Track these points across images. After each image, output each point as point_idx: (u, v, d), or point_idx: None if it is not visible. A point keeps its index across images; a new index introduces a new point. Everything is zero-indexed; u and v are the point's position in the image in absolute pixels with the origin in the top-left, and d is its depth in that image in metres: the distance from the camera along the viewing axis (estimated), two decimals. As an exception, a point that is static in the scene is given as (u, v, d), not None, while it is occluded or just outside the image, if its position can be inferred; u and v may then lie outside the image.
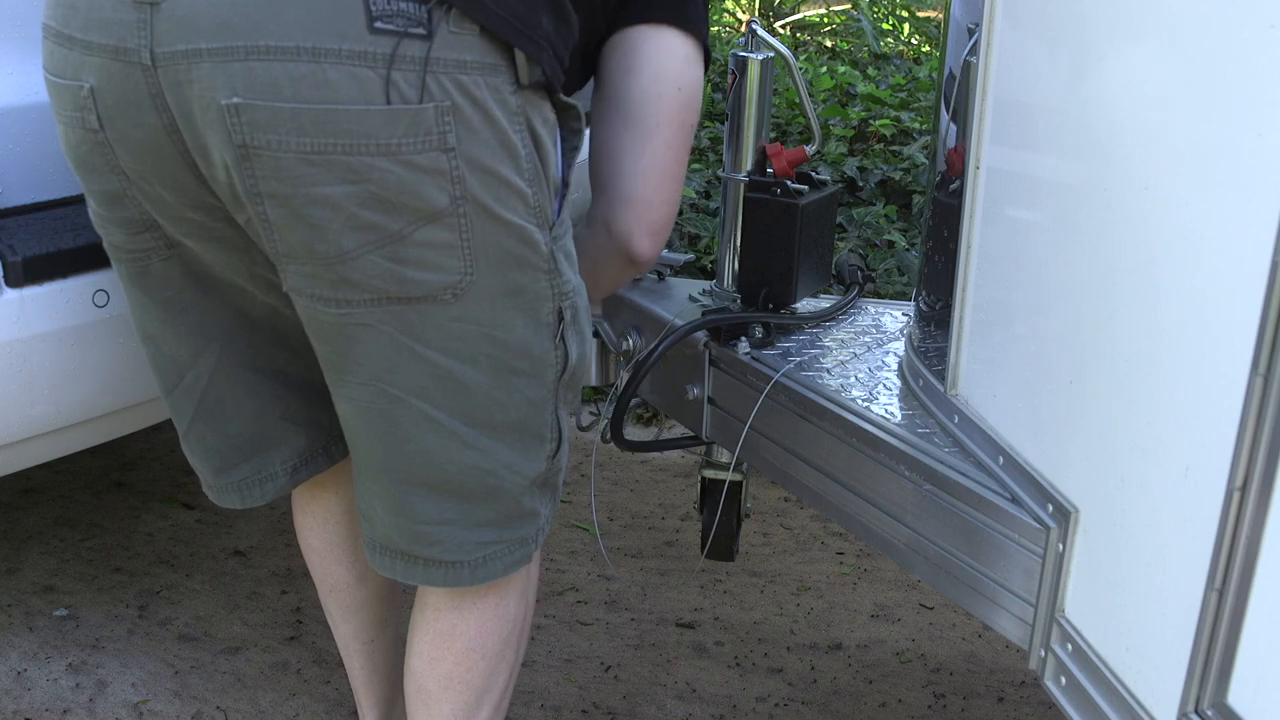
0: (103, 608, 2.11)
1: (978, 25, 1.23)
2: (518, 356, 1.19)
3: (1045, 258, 1.15)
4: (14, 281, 1.39)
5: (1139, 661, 1.02)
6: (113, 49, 1.06)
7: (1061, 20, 1.12)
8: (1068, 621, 1.13)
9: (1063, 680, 1.14)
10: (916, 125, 4.01)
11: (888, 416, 1.39)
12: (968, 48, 1.36)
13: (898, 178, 3.64)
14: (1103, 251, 1.05)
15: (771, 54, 1.63)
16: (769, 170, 1.63)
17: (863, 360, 1.57)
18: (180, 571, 2.24)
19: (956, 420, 1.32)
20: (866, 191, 3.62)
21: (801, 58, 5.04)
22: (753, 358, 1.55)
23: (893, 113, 4.12)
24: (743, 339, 1.59)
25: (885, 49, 5.47)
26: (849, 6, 6.06)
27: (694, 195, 3.43)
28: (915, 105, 4.23)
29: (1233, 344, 0.87)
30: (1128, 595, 1.04)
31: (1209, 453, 0.91)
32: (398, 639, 1.64)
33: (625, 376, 1.65)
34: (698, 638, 2.12)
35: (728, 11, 5.93)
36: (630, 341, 1.72)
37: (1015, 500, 1.19)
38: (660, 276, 1.79)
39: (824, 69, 4.69)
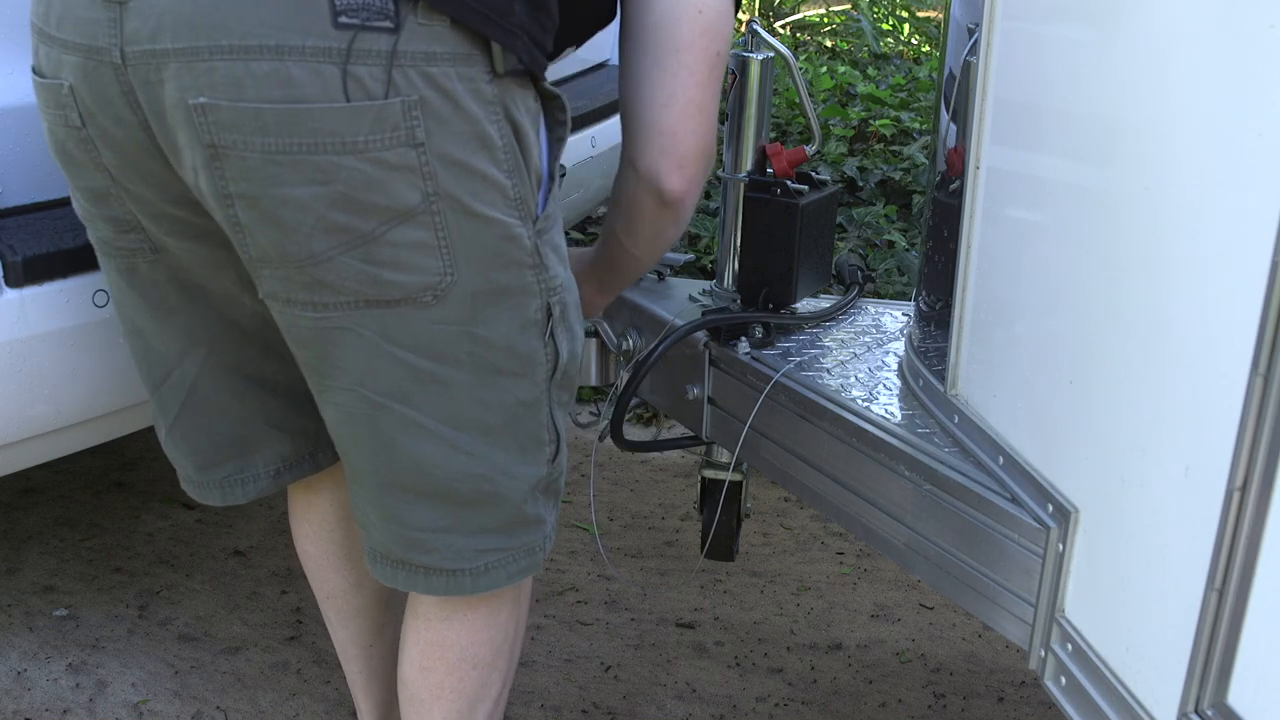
0: (103, 608, 2.11)
1: (978, 25, 1.23)
2: (502, 355, 1.15)
3: (1045, 257, 1.15)
4: (14, 281, 1.39)
5: (1139, 661, 1.02)
6: (86, 48, 1.06)
7: (1061, 20, 1.12)
8: (1068, 621, 1.13)
9: (1063, 680, 1.14)
10: (916, 125, 4.01)
11: (888, 416, 1.39)
12: (968, 48, 1.36)
13: (898, 178, 3.64)
14: (1103, 251, 1.05)
15: (771, 54, 1.63)
16: (769, 170, 1.63)
17: (863, 360, 1.57)
18: (180, 571, 2.24)
19: (956, 420, 1.32)
20: (866, 191, 3.62)
21: (801, 58, 5.04)
22: (753, 358, 1.55)
23: (893, 113, 4.12)
24: (743, 339, 1.59)
25: (885, 49, 5.47)
26: (849, 6, 6.05)
27: (694, 195, 3.43)
28: (915, 105, 4.23)
29: (1233, 344, 0.87)
30: (1128, 595, 1.04)
31: (1209, 453, 0.91)
32: (395, 643, 1.64)
33: (625, 376, 1.65)
34: (698, 638, 2.12)
35: (728, 12, 5.91)
36: (630, 341, 1.72)
37: (1015, 500, 1.19)
38: (660, 276, 1.79)
39: (824, 69, 4.69)
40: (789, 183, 1.59)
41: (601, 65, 2.35)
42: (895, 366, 1.55)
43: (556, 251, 1.19)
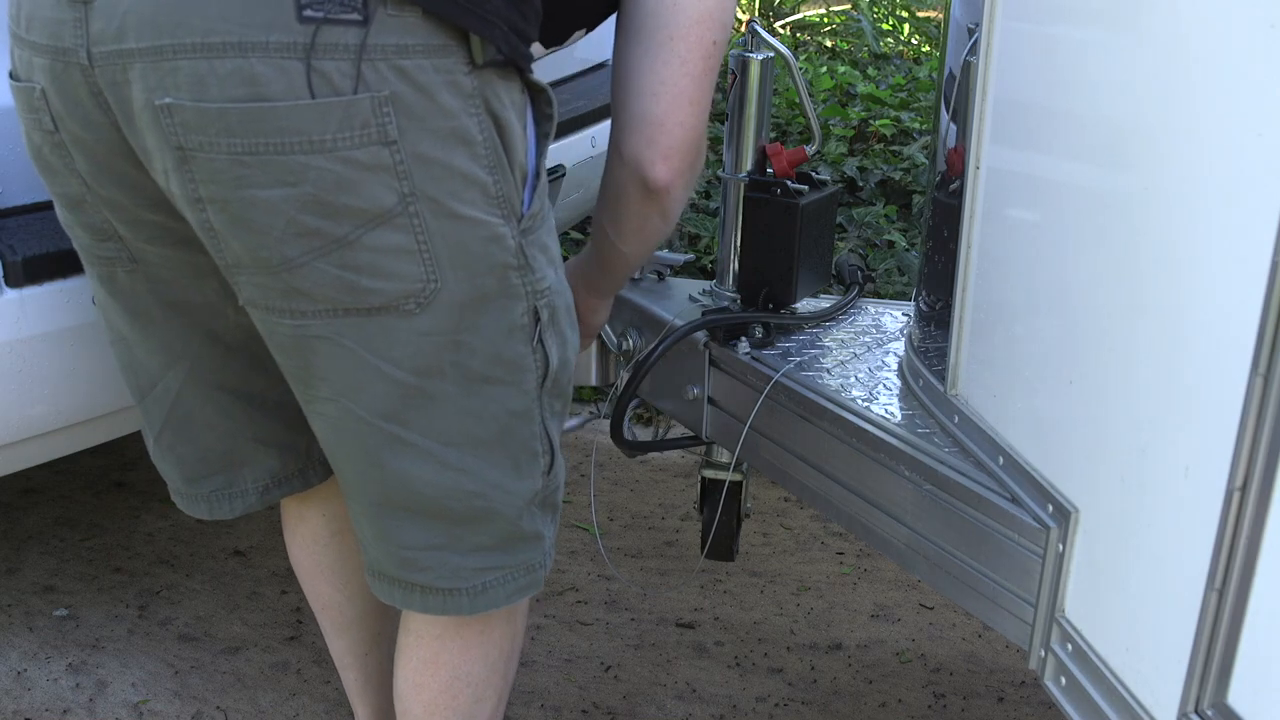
0: (103, 608, 2.11)
1: (978, 25, 1.23)
2: (488, 363, 1.10)
3: (1045, 258, 1.15)
4: (14, 281, 1.39)
5: (1139, 661, 1.02)
6: (54, 49, 1.03)
7: (1061, 20, 1.12)
8: (1068, 621, 1.13)
9: (1063, 680, 1.14)
10: (916, 125, 4.01)
11: (888, 416, 1.39)
12: (968, 48, 1.36)
13: (898, 178, 3.64)
14: (1103, 251, 1.05)
15: (771, 54, 1.63)
16: (769, 170, 1.63)
17: (863, 360, 1.57)
18: (180, 571, 2.24)
19: (956, 420, 1.32)
20: (866, 191, 3.62)
21: (801, 58, 5.04)
22: (753, 358, 1.55)
23: (893, 113, 4.12)
24: (743, 339, 1.59)
25: (885, 49, 5.47)
26: (849, 6, 6.05)
27: (694, 195, 3.43)
28: (915, 105, 4.23)
29: (1233, 344, 0.87)
30: (1128, 595, 1.04)
31: (1209, 453, 0.91)
32: (392, 652, 1.62)
33: (625, 376, 1.65)
34: (698, 638, 2.12)
35: (728, 12, 5.91)
36: (630, 341, 1.72)
37: (1015, 500, 1.19)
38: (660, 276, 1.79)
39: (824, 69, 4.69)
40: (789, 183, 1.59)
41: (601, 65, 2.35)
42: (895, 366, 1.55)
43: (545, 253, 1.14)
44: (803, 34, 5.81)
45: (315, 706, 1.89)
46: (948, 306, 1.33)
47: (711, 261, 2.94)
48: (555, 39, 1.27)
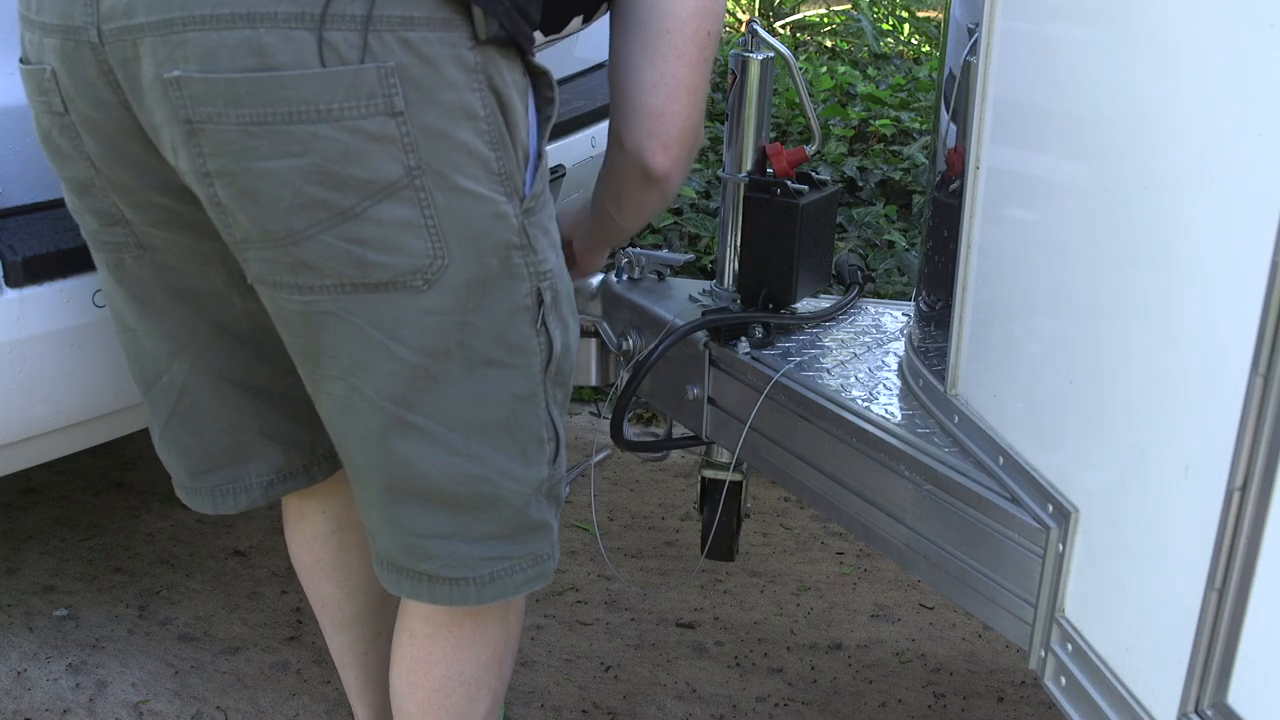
0: (103, 608, 2.11)
1: (978, 25, 1.23)
2: (492, 344, 1.11)
3: (1045, 258, 1.15)
4: (14, 281, 1.39)
5: (1139, 661, 1.02)
6: (64, 28, 1.03)
7: (1061, 20, 1.12)
8: (1068, 621, 1.13)
9: (1063, 680, 1.14)
10: (916, 125, 4.01)
11: (888, 416, 1.39)
12: (968, 48, 1.36)
13: (898, 178, 3.64)
14: (1103, 252, 1.05)
15: (771, 54, 1.63)
16: (769, 170, 1.63)
17: (863, 360, 1.57)
18: (180, 571, 2.24)
19: (956, 420, 1.32)
20: (866, 191, 3.62)
21: (801, 58, 5.04)
22: (753, 358, 1.55)
23: (893, 113, 4.12)
24: (743, 339, 1.59)
25: (885, 49, 5.47)
26: (849, 6, 6.05)
27: (694, 195, 3.43)
28: (915, 105, 4.23)
29: (1233, 344, 0.87)
30: (1128, 595, 1.04)
31: (1209, 453, 0.91)
32: (390, 650, 1.64)
33: (625, 376, 1.65)
34: (698, 638, 2.12)
35: (728, 11, 5.92)
36: (630, 341, 1.72)
37: (1015, 500, 1.19)
38: (660, 276, 1.79)
39: (824, 69, 4.69)
40: (789, 183, 1.59)
41: (601, 66, 2.35)
42: (895, 366, 1.55)
43: (547, 236, 1.15)
44: (803, 34, 5.81)
45: (315, 706, 1.89)
46: (948, 306, 1.33)
47: (711, 261, 2.94)
48: (553, 26, 1.29)
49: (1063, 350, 1.12)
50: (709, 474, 1.78)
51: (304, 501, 1.49)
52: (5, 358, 1.40)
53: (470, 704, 1.32)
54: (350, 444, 1.16)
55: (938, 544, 1.29)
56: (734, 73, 1.62)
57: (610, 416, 1.64)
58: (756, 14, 5.79)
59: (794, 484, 1.50)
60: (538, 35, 1.14)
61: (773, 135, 2.31)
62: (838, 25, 5.94)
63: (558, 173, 1.99)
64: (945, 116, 1.47)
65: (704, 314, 1.62)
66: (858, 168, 3.69)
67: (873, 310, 1.77)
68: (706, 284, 1.76)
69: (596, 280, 1.76)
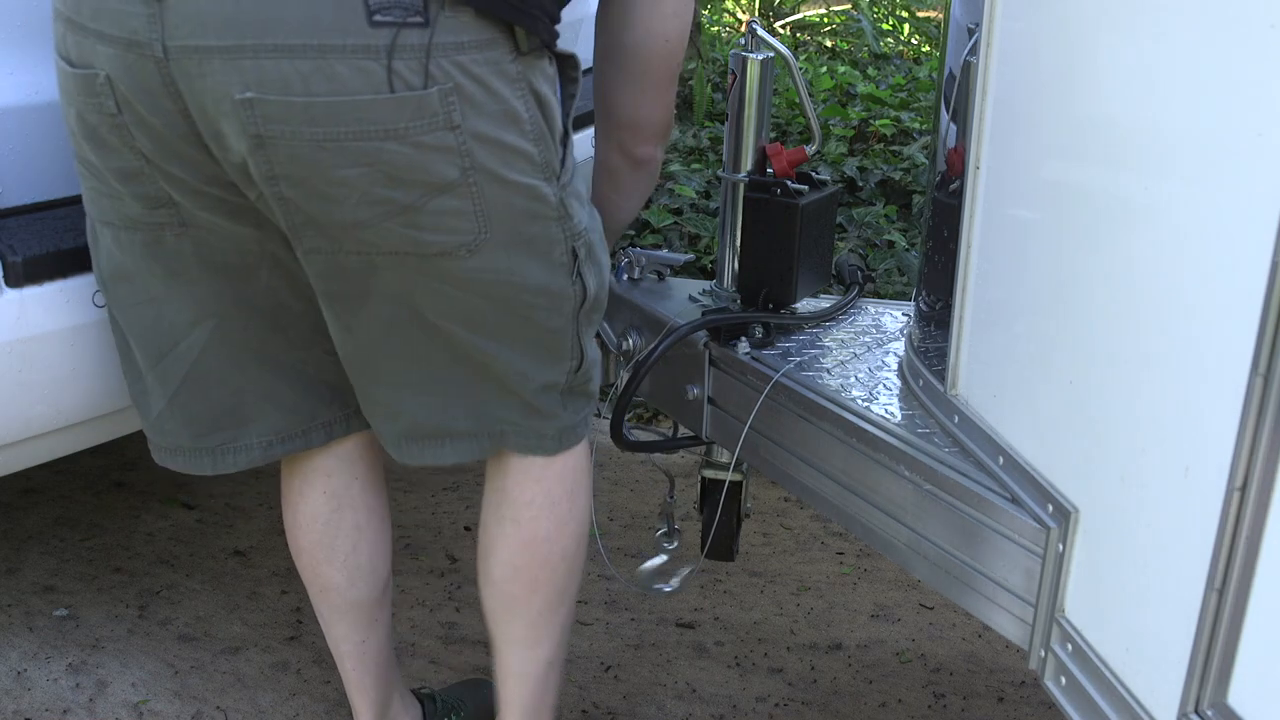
0: (103, 608, 2.11)
1: (978, 25, 1.23)
2: (535, 295, 1.26)
3: (1045, 257, 1.15)
4: (14, 281, 1.39)
5: (1139, 661, 1.02)
6: (125, 41, 1.11)
7: (1062, 20, 1.12)
8: (1068, 621, 1.13)
9: (1063, 680, 1.14)
10: (916, 125, 4.01)
11: (888, 416, 1.39)
12: (968, 48, 1.36)
13: (898, 178, 3.64)
14: (1103, 251, 1.05)
15: (771, 54, 1.63)
16: (769, 170, 1.63)
17: (863, 360, 1.57)
18: (180, 571, 2.24)
19: (956, 420, 1.32)
20: (866, 191, 3.62)
21: (801, 58, 5.04)
22: (753, 358, 1.55)
23: (893, 113, 4.12)
24: (743, 339, 1.59)
25: (885, 49, 5.47)
26: (849, 6, 6.05)
27: (694, 195, 3.43)
28: (915, 105, 4.23)
29: (1233, 344, 0.87)
30: (1128, 595, 1.04)
31: (1209, 453, 0.91)
32: (389, 638, 1.64)
33: (625, 376, 1.65)
34: (698, 638, 2.12)
35: (728, 11, 5.93)
36: (630, 341, 1.72)
37: (1015, 500, 1.19)
38: (660, 276, 1.79)
39: (824, 69, 4.69)
40: (789, 183, 1.59)
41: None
42: (895, 366, 1.55)
43: (578, 198, 1.30)
44: (803, 34, 5.81)
45: (315, 706, 1.89)
46: (948, 306, 1.33)
47: (711, 261, 2.94)
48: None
49: (1063, 350, 1.12)
50: (709, 474, 1.78)
51: (305, 484, 1.52)
52: (5, 358, 1.40)
53: (569, 577, 1.48)
54: (388, 350, 1.30)
55: (938, 544, 1.29)
56: (734, 73, 1.62)
57: (610, 417, 1.64)
58: (756, 14, 5.79)
59: (794, 484, 1.50)
60: None
61: (773, 135, 2.31)
62: (838, 25, 5.94)
63: None
64: (945, 116, 1.47)
65: (704, 314, 1.62)
66: (858, 168, 3.69)
67: (873, 310, 1.77)
68: (706, 284, 1.76)
69: None
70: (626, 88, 1.40)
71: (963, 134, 1.32)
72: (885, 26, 6.03)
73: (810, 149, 1.66)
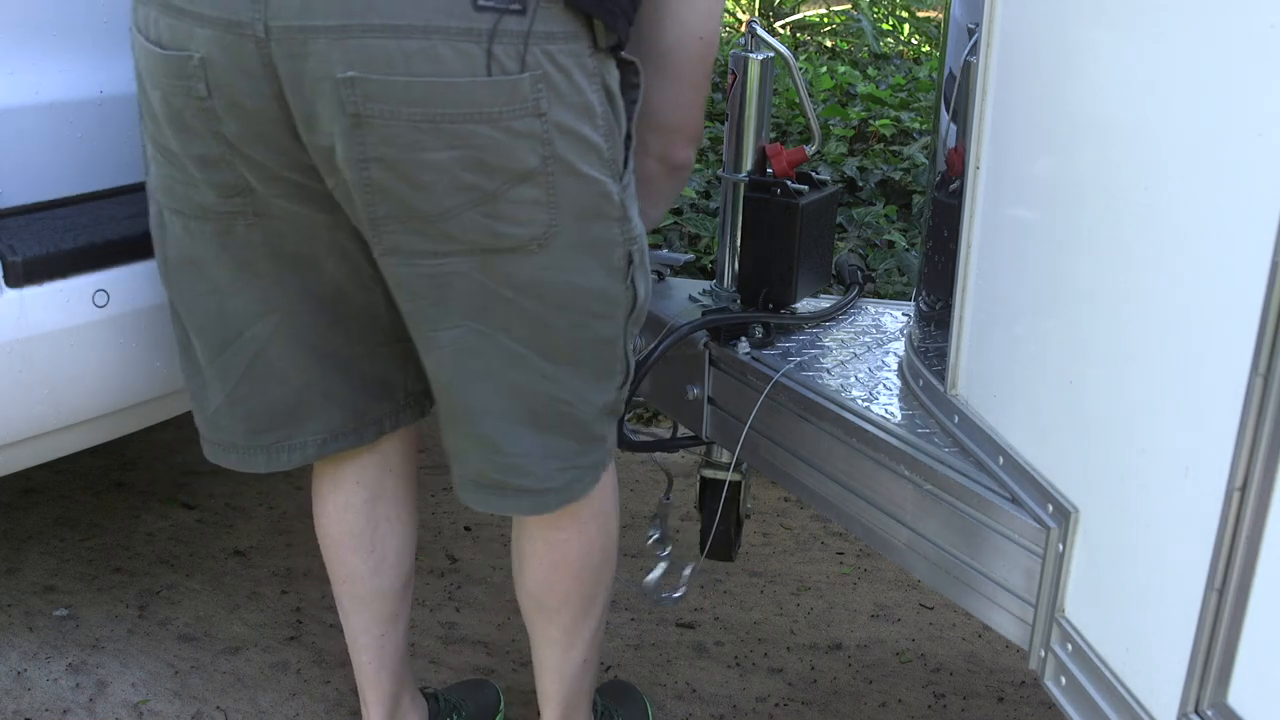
0: (103, 608, 2.11)
1: (978, 25, 1.23)
2: (595, 300, 1.29)
3: (1045, 257, 1.15)
4: (14, 281, 1.39)
5: (1139, 661, 1.02)
6: (225, 21, 1.13)
7: (1062, 20, 1.12)
8: (1068, 621, 1.13)
9: (1063, 680, 1.14)
10: (916, 125, 4.01)
11: (888, 416, 1.39)
12: (968, 48, 1.36)
13: (898, 178, 3.64)
14: (1103, 252, 1.05)
15: (771, 54, 1.63)
16: (769, 170, 1.63)
17: (863, 360, 1.57)
18: (180, 571, 2.24)
19: (956, 420, 1.32)
20: (866, 191, 3.62)
21: (801, 58, 5.04)
22: (753, 358, 1.55)
23: (893, 113, 4.12)
24: (743, 339, 1.59)
25: (885, 49, 5.47)
26: (849, 6, 6.05)
27: (694, 195, 3.43)
28: (915, 105, 4.23)
29: (1233, 344, 0.87)
30: (1128, 595, 1.04)
31: (1209, 453, 0.91)
32: (406, 633, 1.65)
33: (625, 376, 1.64)
34: (698, 638, 2.12)
35: (728, 11, 5.93)
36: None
37: (1015, 500, 1.19)
38: (660, 276, 1.79)
39: (824, 69, 4.69)
40: (789, 183, 1.59)
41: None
42: (895, 366, 1.55)
43: (634, 202, 1.33)
44: (803, 34, 5.81)
45: (315, 706, 1.89)
46: (948, 306, 1.33)
47: (711, 261, 2.94)
48: None
49: (1063, 350, 1.12)
50: (709, 474, 1.78)
51: (339, 472, 1.54)
52: (5, 358, 1.40)
53: (599, 586, 1.54)
54: (460, 378, 1.31)
55: (938, 544, 1.29)
56: (734, 73, 1.62)
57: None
58: (756, 14, 5.79)
59: (794, 484, 1.50)
60: None
61: (773, 135, 2.31)
62: (838, 25, 5.94)
63: None
64: (945, 116, 1.47)
65: (704, 314, 1.62)
66: (858, 168, 3.69)
67: (873, 310, 1.77)
68: (706, 284, 1.76)
69: None
70: (664, 90, 1.40)
71: (963, 134, 1.32)
72: (885, 26, 6.03)
73: (810, 149, 1.66)
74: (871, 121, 4.00)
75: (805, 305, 1.71)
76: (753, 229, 1.62)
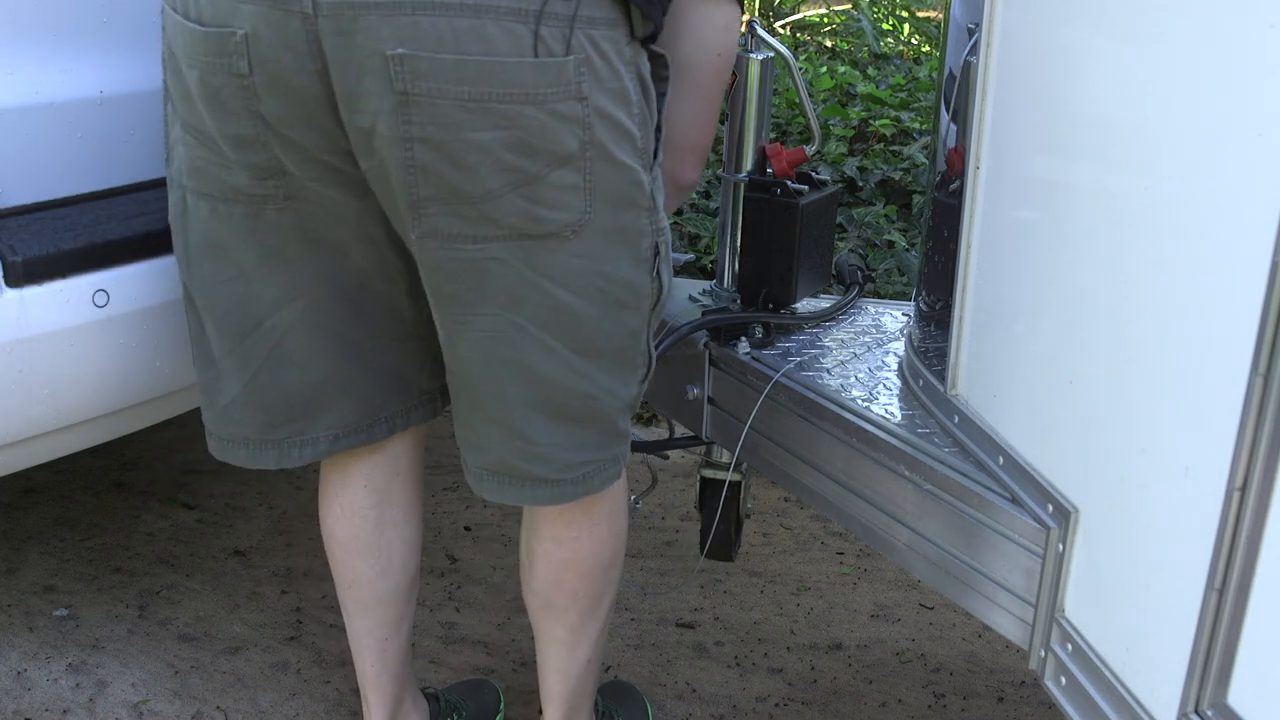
0: (103, 608, 2.11)
1: (978, 25, 1.23)
2: (623, 290, 1.29)
3: (1045, 258, 1.15)
4: (14, 281, 1.39)
5: (1139, 661, 1.03)
6: None
7: (1061, 20, 1.12)
8: (1068, 621, 1.13)
9: (1063, 680, 1.14)
10: (916, 125, 4.01)
11: (888, 416, 1.39)
12: (968, 48, 1.36)
13: (898, 178, 3.64)
14: (1103, 251, 1.05)
15: (771, 54, 1.63)
16: (769, 170, 1.63)
17: (863, 360, 1.57)
18: (180, 571, 2.24)
19: (956, 420, 1.32)
20: (866, 191, 3.62)
21: (801, 58, 5.04)
22: (753, 358, 1.56)
23: (893, 113, 4.12)
24: (743, 339, 1.59)
25: (885, 49, 5.47)
26: (849, 6, 6.05)
27: (694, 195, 3.43)
28: (915, 105, 4.23)
29: (1233, 344, 0.87)
30: (1128, 595, 1.04)
31: (1209, 453, 0.91)
32: (410, 638, 1.65)
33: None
34: (698, 638, 2.12)
35: (727, 11, 5.91)
36: (630, 341, 1.72)
37: (1015, 500, 1.19)
38: (660, 276, 1.78)
39: (824, 69, 4.69)
40: (789, 183, 1.59)
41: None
42: (895, 366, 1.55)
43: (661, 195, 1.34)
44: (803, 34, 5.81)
45: (315, 706, 1.89)
46: (948, 306, 1.33)
47: (711, 261, 2.94)
48: None
49: (1063, 350, 1.12)
50: (709, 474, 1.78)
51: (346, 475, 1.53)
52: (5, 358, 1.40)
53: (607, 586, 1.54)
54: (489, 367, 1.31)
55: (938, 544, 1.29)
56: (734, 73, 1.62)
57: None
58: (756, 14, 5.79)
59: (794, 484, 1.50)
60: None
61: (773, 135, 2.31)
62: (838, 25, 5.94)
63: None
64: (945, 116, 1.47)
65: (704, 314, 1.62)
66: (858, 168, 3.69)
67: (873, 310, 1.77)
68: (706, 284, 1.76)
69: None
70: (677, 105, 1.39)
71: (963, 134, 1.32)
72: (885, 26, 6.03)
73: (810, 149, 1.66)
74: (871, 121, 4.00)
75: (805, 305, 1.71)
76: (753, 229, 1.62)
